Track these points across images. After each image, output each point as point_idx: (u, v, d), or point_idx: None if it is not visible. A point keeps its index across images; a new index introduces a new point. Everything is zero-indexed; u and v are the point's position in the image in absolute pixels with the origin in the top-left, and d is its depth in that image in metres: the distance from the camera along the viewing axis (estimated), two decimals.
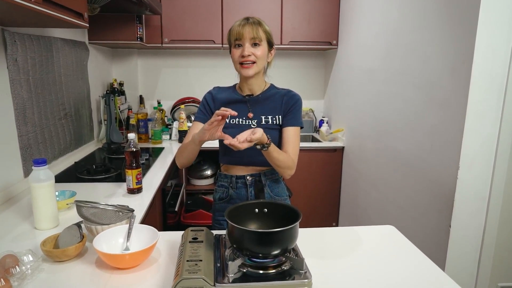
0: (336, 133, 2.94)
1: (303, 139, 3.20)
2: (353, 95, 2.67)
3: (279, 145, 1.36)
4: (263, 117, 1.34)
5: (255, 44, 1.27)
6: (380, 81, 2.20)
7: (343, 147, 2.86)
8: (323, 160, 2.89)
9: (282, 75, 3.27)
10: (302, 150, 2.87)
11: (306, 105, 3.34)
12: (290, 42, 2.89)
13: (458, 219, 1.54)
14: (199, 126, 1.36)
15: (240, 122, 1.35)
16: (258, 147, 1.18)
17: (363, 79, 2.46)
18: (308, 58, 3.30)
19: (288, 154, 1.30)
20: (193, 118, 3.08)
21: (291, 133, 1.33)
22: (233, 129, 1.33)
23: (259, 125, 1.34)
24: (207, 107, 1.38)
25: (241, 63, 1.28)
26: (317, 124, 3.27)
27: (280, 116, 1.35)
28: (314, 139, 3.15)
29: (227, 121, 1.35)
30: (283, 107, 1.35)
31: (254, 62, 1.28)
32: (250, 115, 1.34)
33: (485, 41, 1.40)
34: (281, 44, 2.87)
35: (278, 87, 1.41)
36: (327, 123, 3.12)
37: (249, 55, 1.26)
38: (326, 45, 2.95)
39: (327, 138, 2.97)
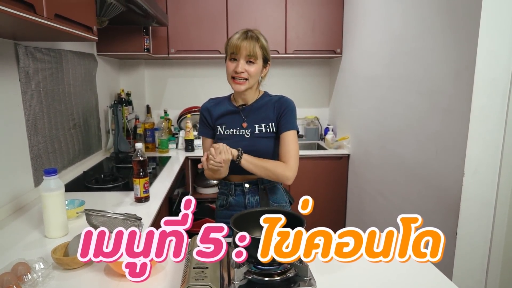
0: (342, 141, 2.95)
1: (309, 147, 3.21)
2: (357, 102, 2.68)
3: (276, 152, 1.38)
4: (256, 126, 1.36)
5: (250, 61, 1.28)
6: (384, 88, 2.21)
7: (348, 155, 2.86)
8: (328, 168, 2.89)
9: (287, 83, 3.29)
10: (308, 158, 2.89)
11: (311, 113, 3.35)
12: (294, 51, 2.92)
13: (465, 226, 1.54)
14: (206, 141, 1.45)
15: (235, 133, 1.37)
16: (237, 161, 1.27)
17: (368, 87, 2.48)
18: (312, 66, 3.32)
19: (277, 161, 1.33)
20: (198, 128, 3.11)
21: (287, 138, 1.34)
22: (228, 140, 1.36)
23: (252, 134, 1.36)
24: (205, 121, 1.43)
25: (233, 78, 1.30)
26: (323, 132, 3.28)
27: (273, 124, 1.36)
28: (319, 147, 3.16)
29: (222, 132, 1.38)
30: (275, 113, 1.36)
31: (246, 79, 1.29)
32: (244, 125, 1.37)
33: (487, 46, 1.41)
34: (285, 53, 2.91)
35: (271, 94, 1.43)
36: (332, 130, 3.13)
37: (242, 72, 1.28)
38: (331, 54, 2.97)
39: (332, 145, 2.97)
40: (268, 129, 1.36)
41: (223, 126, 1.39)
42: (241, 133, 1.36)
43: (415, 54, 1.86)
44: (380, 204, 2.31)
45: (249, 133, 1.36)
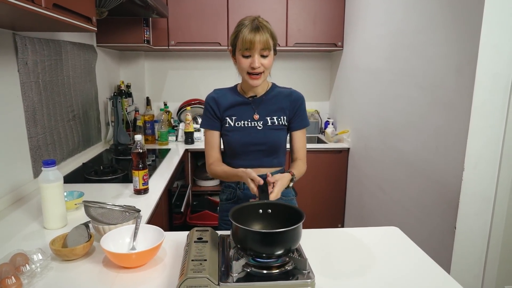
0: (342, 135, 2.94)
1: (308, 140, 3.20)
2: (358, 96, 2.67)
3: (284, 145, 1.38)
4: (268, 118, 1.35)
5: (263, 55, 1.25)
6: (385, 82, 2.20)
7: (348, 148, 2.86)
8: (328, 162, 2.89)
9: (288, 76, 3.28)
10: (307, 151, 2.85)
11: (311, 106, 3.34)
12: (295, 44, 2.90)
13: (463, 221, 1.54)
14: (212, 134, 1.38)
15: (246, 124, 1.34)
16: (291, 185, 1.27)
17: (368, 80, 2.46)
18: (313, 59, 3.30)
19: (299, 162, 1.37)
20: (199, 120, 3.10)
21: (301, 135, 1.39)
22: (239, 132, 1.34)
23: (265, 126, 1.34)
24: (212, 112, 1.37)
25: (249, 73, 1.26)
26: (323, 126, 3.27)
27: (285, 117, 1.36)
28: (319, 141, 3.16)
29: (232, 123, 1.35)
30: (289, 107, 1.36)
31: (262, 73, 1.27)
32: (256, 116, 1.34)
33: (490, 41, 1.40)
34: (286, 46, 2.89)
35: (280, 86, 1.42)
36: (332, 124, 3.12)
37: (259, 67, 1.24)
38: (332, 47, 2.95)
39: (332, 139, 2.97)
40: (280, 121, 1.35)
41: (233, 117, 1.35)
42: (252, 125, 1.34)
43: (417, 48, 1.84)
44: (379, 199, 2.31)
45: (261, 125, 1.34)
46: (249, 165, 1.31)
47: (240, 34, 1.24)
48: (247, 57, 1.25)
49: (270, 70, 1.34)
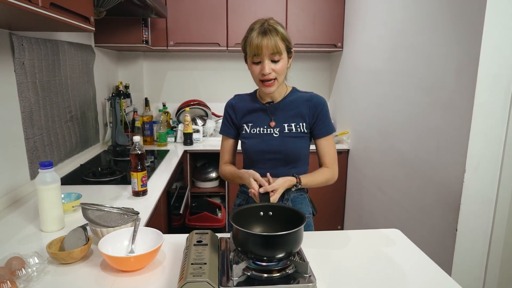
0: (341, 136, 2.93)
1: None
2: (358, 97, 2.66)
3: (306, 153, 1.33)
4: (285, 125, 1.28)
5: (274, 60, 1.20)
6: (385, 83, 2.19)
7: (348, 150, 2.85)
8: None
9: (287, 77, 3.26)
10: (310, 153, 2.87)
11: None
12: (295, 44, 2.89)
13: (465, 223, 1.53)
14: (227, 140, 1.38)
15: (262, 132, 1.30)
16: (293, 189, 1.21)
17: (368, 81, 2.45)
18: (313, 60, 3.29)
19: (323, 169, 1.30)
20: (198, 121, 3.09)
21: (326, 144, 1.30)
22: (255, 139, 1.30)
23: (281, 133, 1.28)
24: (229, 118, 1.35)
25: (262, 80, 1.22)
26: None
27: (305, 124, 1.29)
28: None
29: (248, 130, 1.31)
30: (309, 113, 1.28)
31: (275, 79, 1.21)
32: (272, 124, 1.29)
33: (492, 41, 1.39)
34: None
35: (300, 90, 1.36)
36: None
37: (270, 73, 1.19)
38: (331, 48, 2.94)
39: None
40: (298, 129, 1.28)
41: (249, 124, 1.31)
42: (269, 132, 1.29)
43: (417, 49, 1.83)
44: (379, 200, 2.30)
45: (277, 132, 1.28)
46: (265, 174, 1.22)
47: (248, 39, 1.20)
48: (257, 63, 1.21)
49: (286, 75, 1.28)
